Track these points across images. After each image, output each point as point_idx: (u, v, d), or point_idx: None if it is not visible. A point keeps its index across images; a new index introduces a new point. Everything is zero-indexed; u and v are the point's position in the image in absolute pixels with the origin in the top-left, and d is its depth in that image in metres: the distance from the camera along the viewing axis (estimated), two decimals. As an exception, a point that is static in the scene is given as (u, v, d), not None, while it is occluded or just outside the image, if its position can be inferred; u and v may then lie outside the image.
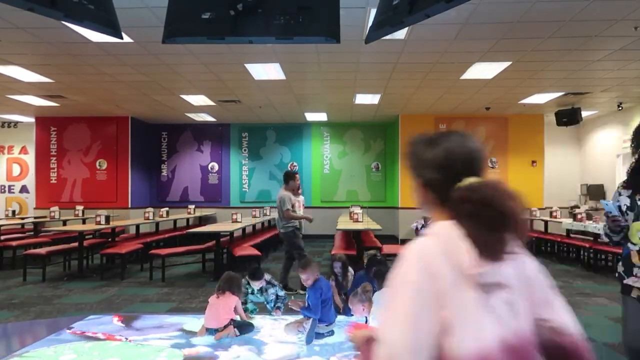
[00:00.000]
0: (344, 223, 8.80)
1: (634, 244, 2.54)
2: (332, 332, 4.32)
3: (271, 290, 5.09)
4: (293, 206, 7.06)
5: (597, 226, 8.04)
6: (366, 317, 4.38)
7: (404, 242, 11.11)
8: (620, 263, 2.66)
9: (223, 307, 4.36)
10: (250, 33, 2.78)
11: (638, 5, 5.39)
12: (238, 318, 4.48)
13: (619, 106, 10.90)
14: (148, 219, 10.05)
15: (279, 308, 5.12)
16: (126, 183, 12.77)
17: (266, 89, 9.60)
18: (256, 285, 5.01)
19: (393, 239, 11.76)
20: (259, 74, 8.35)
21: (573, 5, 5.47)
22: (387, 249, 8.00)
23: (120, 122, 12.72)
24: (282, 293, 5.19)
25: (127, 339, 4.17)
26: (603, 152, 12.39)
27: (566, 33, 6.35)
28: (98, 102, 10.84)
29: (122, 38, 2.94)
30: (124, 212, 12.37)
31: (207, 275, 8.03)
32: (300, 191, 8.16)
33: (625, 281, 2.57)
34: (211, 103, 10.88)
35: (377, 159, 14.09)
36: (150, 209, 10.35)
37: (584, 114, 11.24)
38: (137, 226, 10.07)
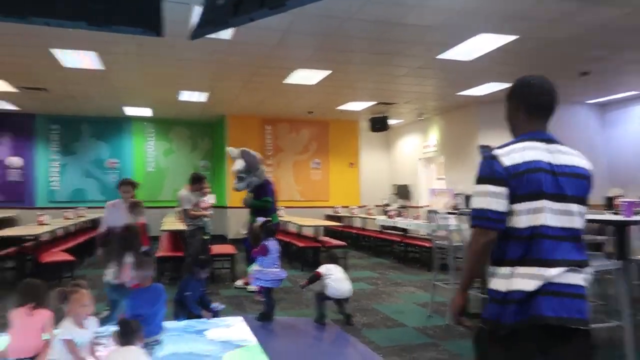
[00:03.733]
0: (170, 223, 8.47)
1: None
2: (157, 342, 4.06)
3: None
4: (196, 205, 6.68)
5: (405, 222, 9.04)
6: None
7: (233, 241, 11.12)
8: None
9: (35, 326, 3.40)
10: (56, 15, 2.47)
11: (431, 30, 6.22)
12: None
13: (419, 116, 12.45)
14: None
15: None
16: None
17: (80, 79, 8.72)
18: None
19: (222, 239, 11.67)
20: (71, 61, 7.54)
21: (379, 26, 6.08)
22: (217, 249, 7.90)
23: None
24: None
25: None
26: (407, 156, 14.02)
27: (375, 49, 7.04)
28: None
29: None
30: None
31: (6, 287, 6.98)
32: (208, 191, 7.75)
33: None
34: (12, 89, 9.47)
35: (205, 157, 13.86)
36: None
37: (392, 121, 12.59)
38: None
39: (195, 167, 13.25)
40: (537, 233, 1.74)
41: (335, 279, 4.91)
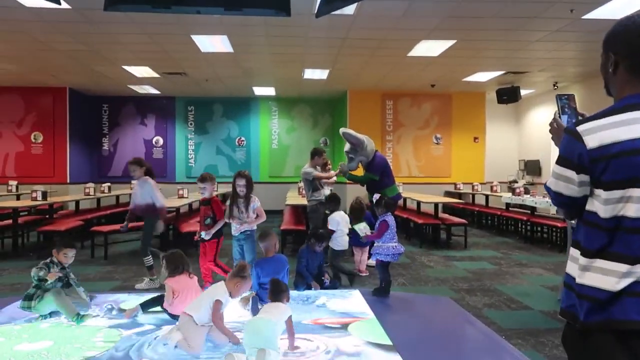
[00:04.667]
0: (293, 198, 8.84)
1: None
2: None
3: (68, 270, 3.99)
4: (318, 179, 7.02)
5: (534, 200, 8.48)
6: None
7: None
8: None
9: (195, 287, 3.92)
10: (197, 3, 2.69)
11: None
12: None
13: (554, 85, 11.43)
14: (89, 195, 9.68)
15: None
16: (64, 157, 12.19)
17: (213, 62, 9.36)
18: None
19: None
20: (205, 46, 8.12)
21: (515, -13, 5.64)
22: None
23: (57, 93, 12.06)
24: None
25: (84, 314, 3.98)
26: (539, 130, 13.00)
27: (508, 13, 6.55)
28: (32, 71, 10.23)
29: (59, 4, 2.77)
30: (63, 187, 11.83)
31: (152, 252, 7.86)
32: (329, 167, 8.16)
33: None
34: (155, 75, 10.50)
35: (326, 134, 14.17)
36: (91, 185, 9.98)
37: (523, 92, 11.72)
38: (77, 202, 9.69)
39: (315, 144, 13.62)
40: (626, 227, 1.35)
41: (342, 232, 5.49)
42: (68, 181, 12.15)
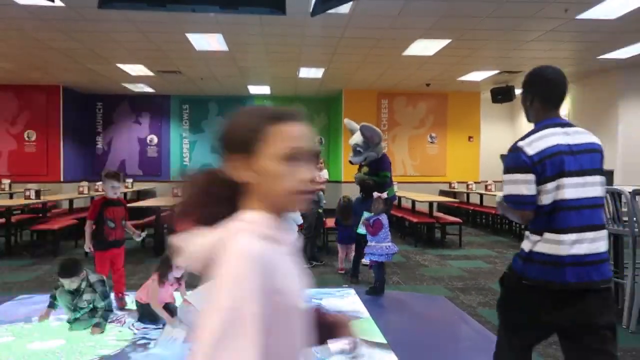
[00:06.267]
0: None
1: None
2: None
3: (86, 297, 3.56)
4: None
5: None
6: None
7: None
8: None
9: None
10: (193, 1, 2.67)
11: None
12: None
13: (549, 85, 11.46)
14: (82, 194, 9.64)
15: (98, 325, 3.59)
16: (58, 155, 12.12)
17: (208, 61, 9.33)
18: (71, 283, 3.51)
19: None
20: (200, 44, 8.09)
21: (510, -14, 5.65)
22: (331, 222, 8.10)
23: (50, 92, 11.98)
24: (102, 304, 3.66)
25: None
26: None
27: (502, 13, 6.57)
28: (26, 69, 10.16)
29: (53, 1, 2.75)
30: (56, 186, 11.77)
31: (146, 251, 7.85)
32: (321, 166, 8.06)
33: None
34: (150, 73, 10.45)
35: (321, 133, 14.16)
36: (85, 183, 9.92)
37: (517, 91, 11.75)
38: (71, 201, 9.64)
39: (311, 143, 13.58)
40: (558, 206, 1.94)
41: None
42: (61, 180, 12.08)
